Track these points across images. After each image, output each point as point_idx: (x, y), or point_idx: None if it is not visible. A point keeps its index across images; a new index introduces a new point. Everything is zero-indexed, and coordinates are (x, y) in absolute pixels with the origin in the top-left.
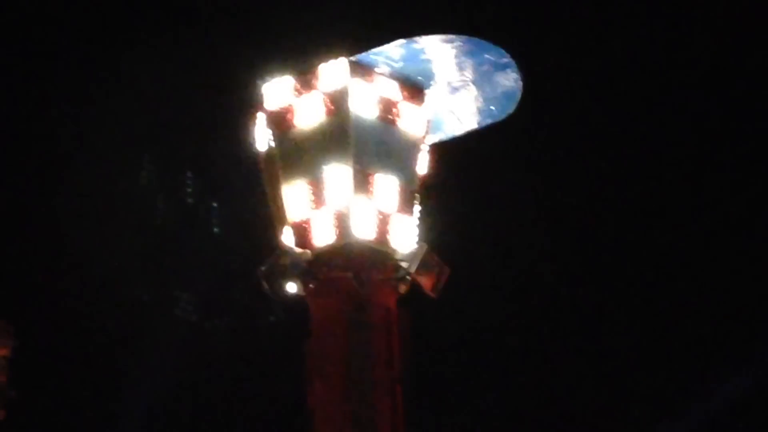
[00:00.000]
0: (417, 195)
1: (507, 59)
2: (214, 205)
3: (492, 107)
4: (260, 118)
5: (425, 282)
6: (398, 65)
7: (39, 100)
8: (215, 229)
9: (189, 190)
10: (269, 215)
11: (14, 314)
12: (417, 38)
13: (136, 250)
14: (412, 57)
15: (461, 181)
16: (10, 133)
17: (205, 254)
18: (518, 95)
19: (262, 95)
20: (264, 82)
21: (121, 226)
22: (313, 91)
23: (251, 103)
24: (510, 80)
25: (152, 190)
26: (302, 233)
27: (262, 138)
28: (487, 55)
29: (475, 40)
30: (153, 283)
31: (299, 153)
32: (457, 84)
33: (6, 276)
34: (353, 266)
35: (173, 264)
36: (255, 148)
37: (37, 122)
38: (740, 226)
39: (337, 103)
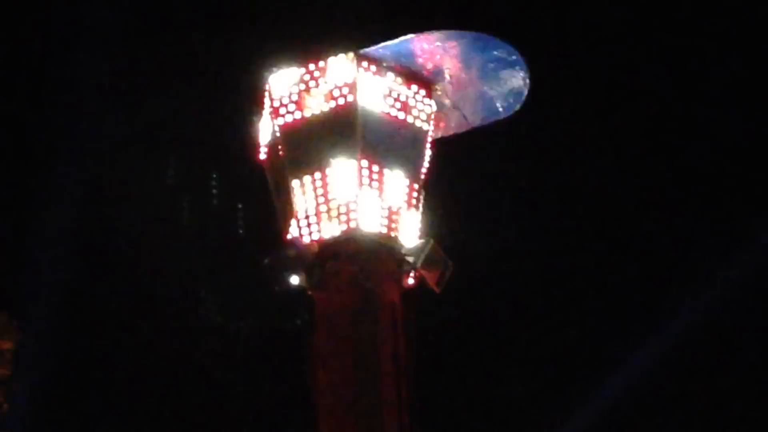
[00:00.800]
0: (422, 189)
1: (515, 56)
2: (239, 206)
3: (498, 104)
4: (266, 111)
5: (430, 276)
6: (406, 60)
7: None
8: (240, 231)
9: (214, 191)
10: (275, 208)
11: (18, 308)
12: (425, 33)
13: (161, 250)
14: (420, 52)
15: (467, 177)
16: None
17: (230, 255)
18: (525, 93)
19: (267, 87)
20: (270, 74)
21: (145, 226)
22: (320, 84)
23: (256, 96)
24: (517, 78)
25: (177, 191)
26: (308, 226)
27: (267, 131)
28: (495, 52)
29: (484, 36)
30: (177, 283)
31: (306, 146)
32: (463, 80)
33: (10, 270)
34: (359, 260)
35: (198, 264)
36: (259, 142)
37: (52, 122)
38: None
39: (345, 96)
